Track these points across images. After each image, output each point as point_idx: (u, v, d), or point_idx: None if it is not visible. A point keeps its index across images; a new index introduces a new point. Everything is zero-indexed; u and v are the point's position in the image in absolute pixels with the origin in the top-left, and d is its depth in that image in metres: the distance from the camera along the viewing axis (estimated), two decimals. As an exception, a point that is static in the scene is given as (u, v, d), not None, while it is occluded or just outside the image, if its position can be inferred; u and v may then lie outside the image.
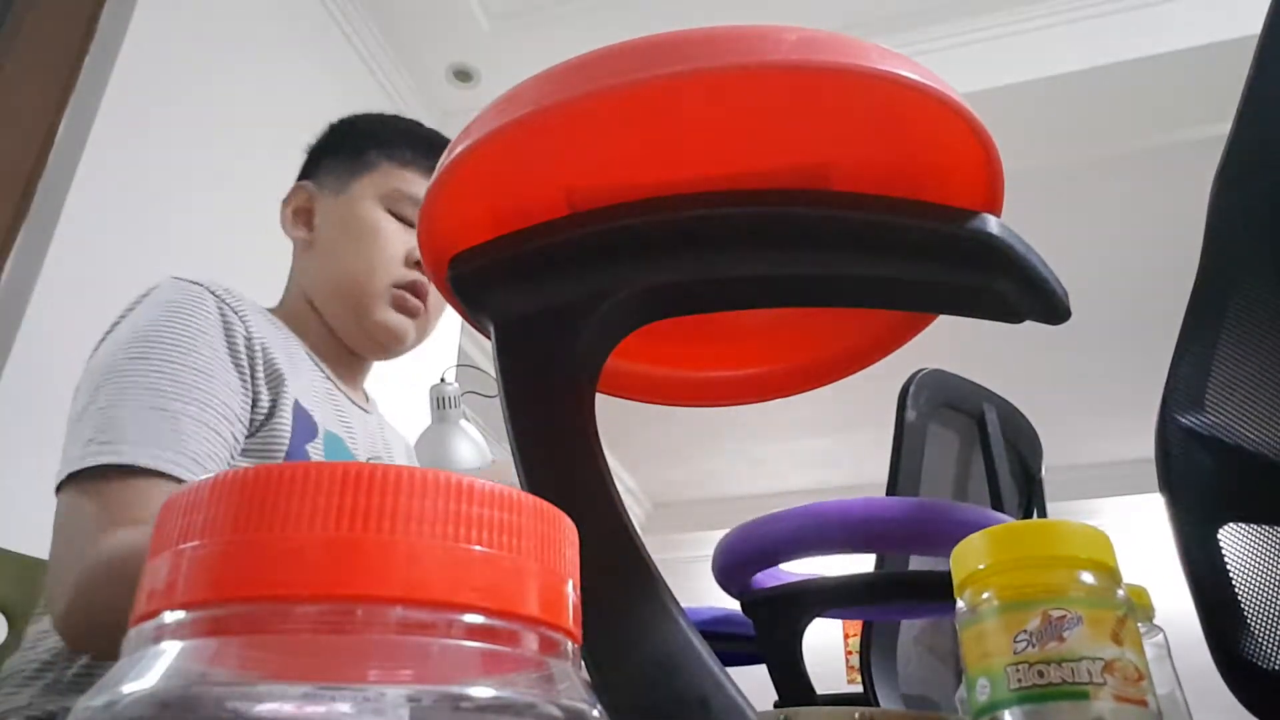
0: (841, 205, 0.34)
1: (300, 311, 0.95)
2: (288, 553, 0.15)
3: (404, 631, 0.15)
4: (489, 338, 0.37)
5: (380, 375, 1.06)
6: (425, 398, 1.06)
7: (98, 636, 0.65)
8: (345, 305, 0.93)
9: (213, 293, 0.81)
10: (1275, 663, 0.47)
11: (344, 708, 0.14)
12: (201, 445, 0.71)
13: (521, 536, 0.17)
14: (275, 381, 0.81)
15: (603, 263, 0.35)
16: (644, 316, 0.37)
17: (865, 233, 0.34)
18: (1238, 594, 0.49)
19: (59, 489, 0.70)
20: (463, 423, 1.01)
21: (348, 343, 0.95)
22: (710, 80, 0.31)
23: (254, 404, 0.79)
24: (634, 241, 0.35)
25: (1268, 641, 0.48)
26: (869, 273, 0.35)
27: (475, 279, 0.36)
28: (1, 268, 1.45)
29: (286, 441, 0.80)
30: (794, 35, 0.29)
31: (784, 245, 0.35)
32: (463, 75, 2.53)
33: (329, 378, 0.93)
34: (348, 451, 0.89)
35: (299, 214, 0.99)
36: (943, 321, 0.41)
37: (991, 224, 0.33)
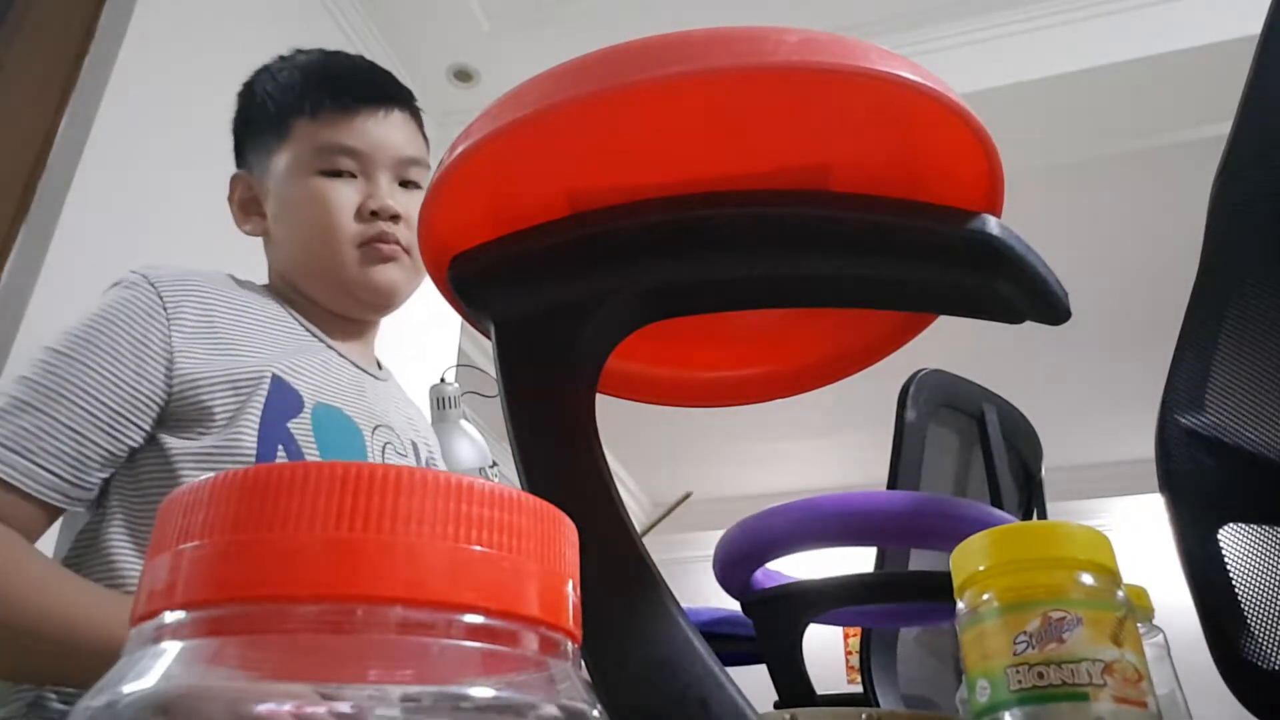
0: (841, 206, 0.34)
1: (286, 291, 0.92)
2: (288, 553, 0.15)
3: (404, 631, 0.15)
4: (489, 338, 0.37)
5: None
6: (425, 398, 1.06)
7: None
8: (323, 282, 0.89)
9: (152, 284, 0.78)
10: (1275, 663, 0.47)
11: (344, 708, 0.14)
12: (61, 460, 0.70)
13: (521, 536, 0.17)
14: (227, 362, 0.78)
15: (603, 263, 0.35)
16: (644, 317, 0.37)
17: (865, 234, 0.34)
18: (1238, 594, 0.49)
19: None
20: (463, 423, 1.01)
21: (343, 312, 0.92)
22: (710, 81, 0.31)
23: (196, 392, 0.76)
24: (634, 242, 0.35)
25: (1268, 641, 0.48)
26: (869, 273, 0.35)
27: (475, 279, 0.36)
28: (1, 268, 1.45)
29: (255, 428, 0.76)
30: (794, 37, 0.29)
31: (784, 246, 0.35)
32: (463, 75, 2.53)
33: (330, 346, 0.90)
34: (346, 421, 0.85)
35: (245, 206, 0.94)
36: (943, 321, 0.41)
37: (991, 224, 0.33)
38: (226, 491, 0.16)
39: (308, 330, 0.89)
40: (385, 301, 0.91)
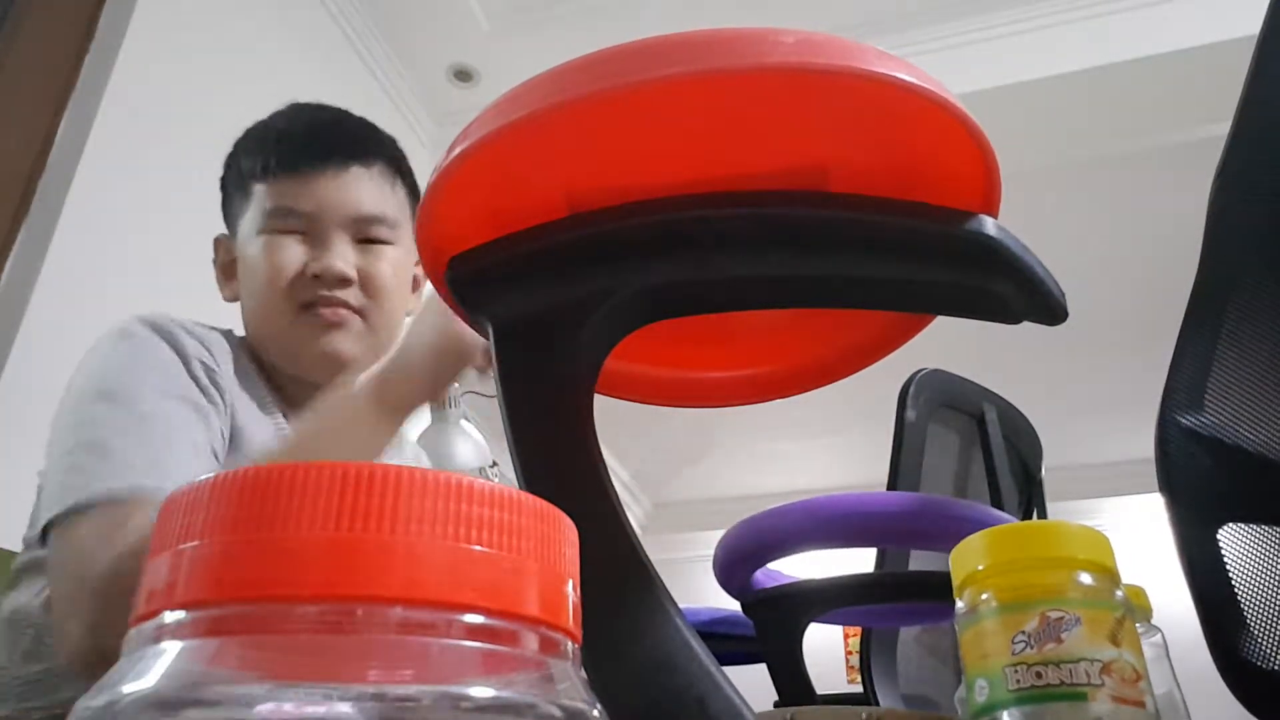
0: (839, 207, 0.34)
1: (255, 352, 0.88)
2: (288, 553, 0.15)
3: (404, 631, 0.15)
4: (488, 339, 0.37)
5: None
6: (425, 398, 1.05)
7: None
8: (273, 345, 0.86)
9: (161, 327, 0.77)
10: (1274, 662, 0.47)
11: (344, 708, 0.14)
12: (185, 467, 0.69)
13: (521, 536, 0.17)
14: (231, 410, 0.78)
15: (602, 264, 0.35)
16: (643, 317, 0.37)
17: (863, 234, 0.34)
18: (1237, 594, 0.49)
19: (45, 532, 0.68)
20: (463, 423, 1.01)
21: (292, 371, 0.87)
22: (709, 82, 0.31)
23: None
24: (633, 243, 0.35)
25: (1267, 641, 0.48)
26: (866, 274, 0.35)
27: (474, 280, 0.36)
28: (1, 268, 1.45)
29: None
30: (792, 37, 0.29)
31: (782, 247, 0.35)
32: (463, 75, 2.53)
33: (284, 418, 0.86)
34: None
35: (226, 270, 0.90)
36: (943, 321, 0.41)
37: (989, 225, 0.33)
38: (226, 491, 0.16)
39: (271, 408, 0.86)
40: (335, 369, 0.83)
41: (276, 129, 0.89)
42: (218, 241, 0.92)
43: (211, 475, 0.16)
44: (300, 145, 0.86)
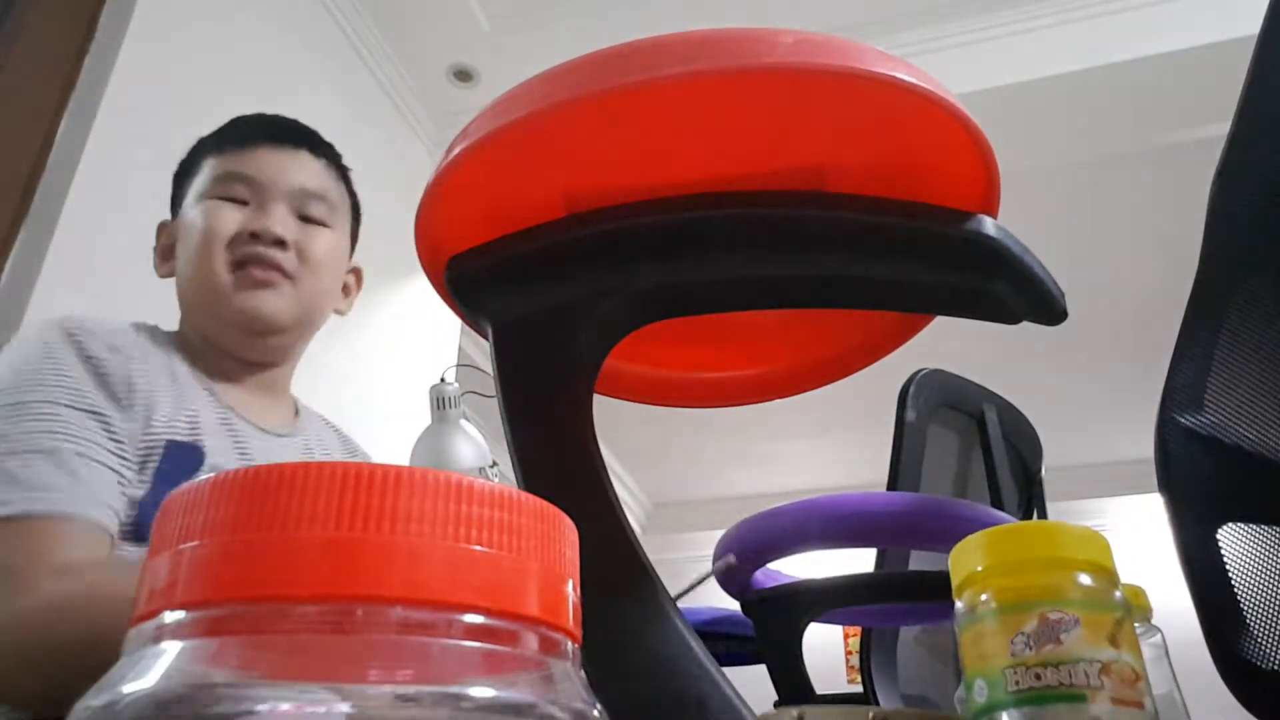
0: (838, 207, 0.34)
1: (187, 340, 0.88)
2: (288, 553, 0.15)
3: (404, 631, 0.15)
4: (487, 339, 0.37)
5: (380, 375, 1.05)
6: (425, 398, 1.06)
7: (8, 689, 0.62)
8: (203, 312, 0.86)
9: (70, 333, 0.76)
10: (1274, 662, 0.47)
11: (344, 708, 0.14)
12: (97, 483, 0.68)
13: (521, 536, 0.17)
14: (147, 413, 0.76)
15: (600, 264, 0.35)
16: (642, 318, 0.37)
17: (862, 234, 0.34)
18: (1237, 594, 0.49)
19: None
20: (463, 423, 1.01)
21: (226, 347, 0.87)
22: (707, 83, 0.31)
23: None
24: (631, 243, 0.35)
25: (1267, 641, 0.48)
26: (866, 274, 0.35)
27: (473, 280, 0.36)
28: (1, 268, 1.45)
29: (150, 479, 0.74)
30: (791, 38, 0.29)
31: (781, 247, 0.35)
32: (463, 75, 2.53)
33: (225, 406, 0.85)
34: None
35: (165, 252, 0.92)
36: (943, 321, 0.41)
37: (988, 225, 0.33)
38: (226, 491, 0.16)
39: (204, 388, 0.85)
40: (262, 329, 0.86)
41: (240, 120, 0.93)
42: (162, 226, 0.94)
43: (211, 475, 0.16)
44: (254, 127, 0.91)
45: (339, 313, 0.98)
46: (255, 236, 0.84)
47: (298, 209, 0.88)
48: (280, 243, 0.85)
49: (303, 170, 0.90)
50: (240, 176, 0.86)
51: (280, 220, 0.86)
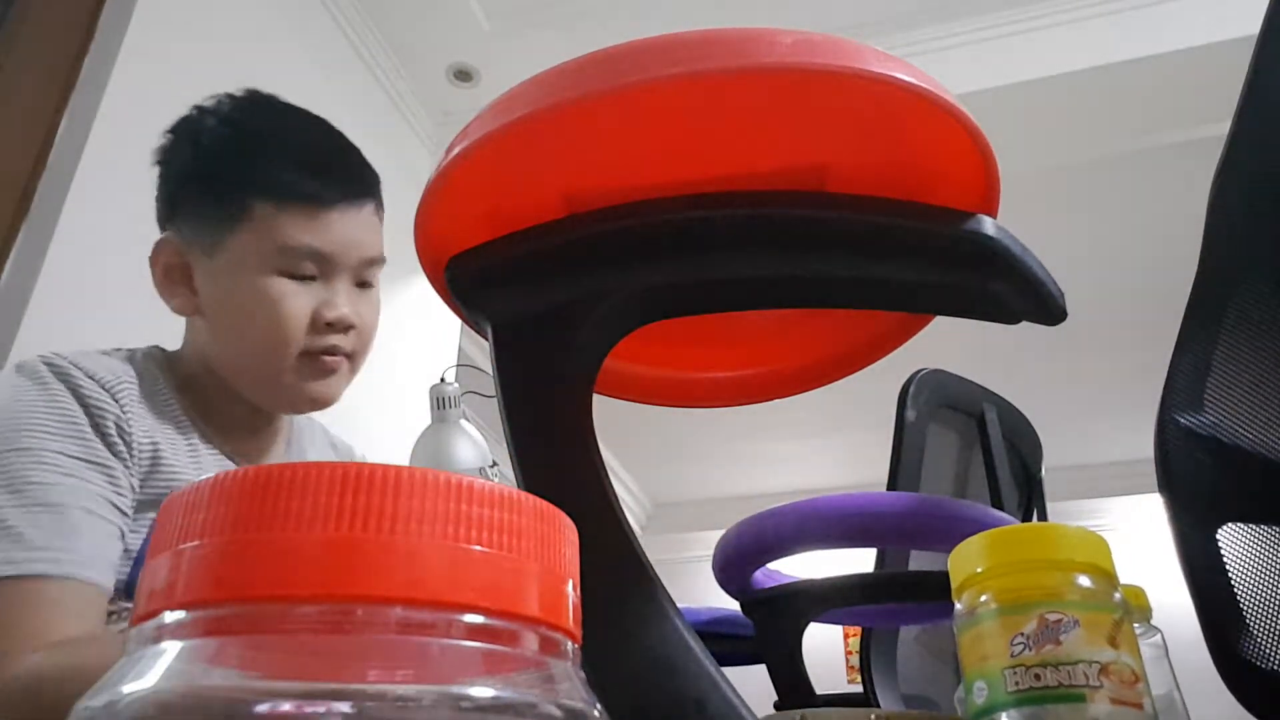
0: (838, 207, 0.34)
1: (199, 374, 0.84)
2: (288, 553, 0.15)
3: (404, 631, 0.15)
4: (487, 339, 0.37)
5: (380, 376, 1.05)
6: (425, 398, 1.06)
7: None
8: (257, 384, 0.82)
9: (63, 374, 0.73)
10: (1274, 662, 0.47)
11: (344, 708, 0.14)
12: (98, 540, 0.68)
13: (521, 536, 0.17)
14: (152, 465, 0.75)
15: (600, 264, 0.35)
16: (641, 318, 0.37)
17: (861, 234, 0.34)
18: (1237, 594, 0.49)
19: None
20: (463, 423, 1.01)
21: (265, 407, 0.85)
22: (707, 83, 0.31)
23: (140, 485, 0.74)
24: (631, 243, 0.35)
25: (1267, 641, 0.48)
26: (865, 274, 0.35)
27: (472, 281, 0.36)
28: (1, 268, 1.45)
29: (149, 529, 0.72)
30: (790, 38, 0.29)
31: (780, 247, 0.35)
32: (463, 75, 2.53)
33: (225, 453, 0.84)
34: None
35: (171, 273, 0.82)
36: (943, 321, 0.41)
37: (987, 225, 0.33)
38: (226, 491, 0.16)
39: (198, 436, 0.82)
40: (318, 409, 0.85)
41: (280, 139, 0.83)
42: (165, 242, 0.83)
43: (212, 475, 0.17)
44: (324, 172, 0.80)
45: None
46: (330, 325, 0.80)
47: (358, 277, 0.83)
48: (351, 327, 0.82)
49: (369, 233, 0.83)
50: (313, 254, 0.79)
51: (349, 299, 0.81)
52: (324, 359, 0.80)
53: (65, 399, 0.72)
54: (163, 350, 0.86)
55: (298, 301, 0.79)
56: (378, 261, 0.85)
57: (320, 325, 0.79)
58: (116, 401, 0.74)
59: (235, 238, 0.78)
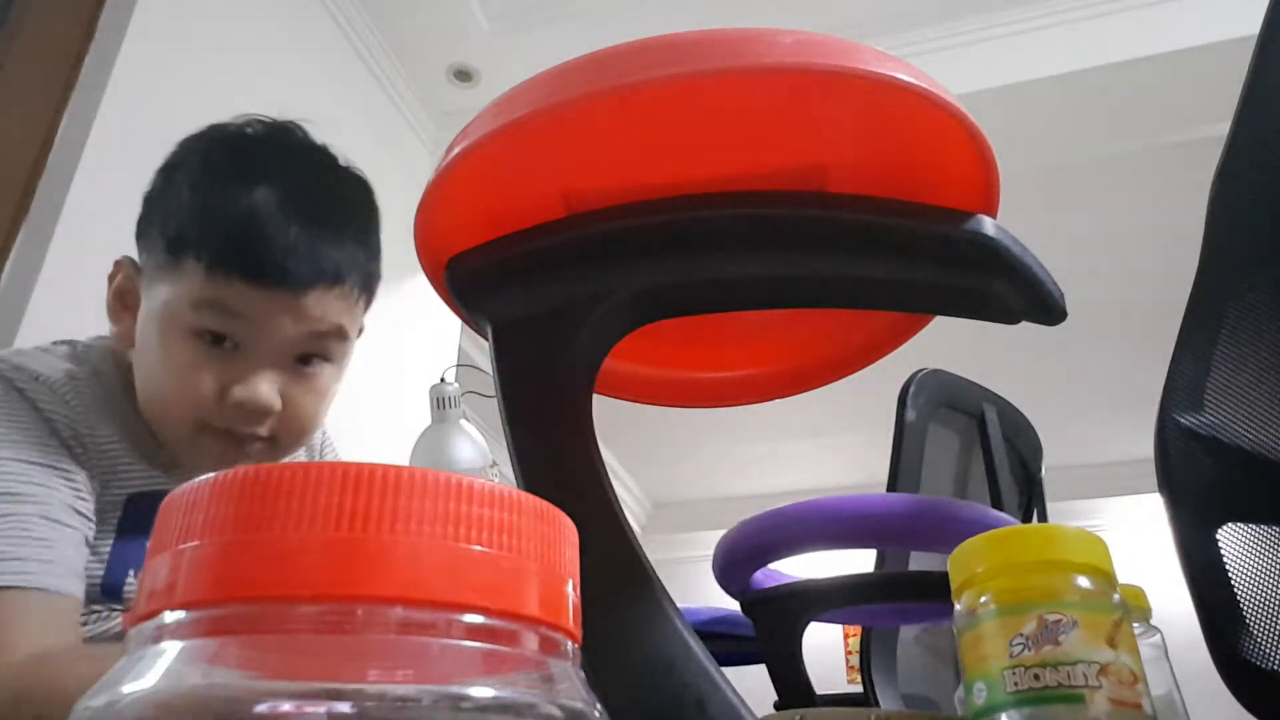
0: (838, 207, 0.34)
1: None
2: (288, 553, 0.15)
3: (404, 631, 0.15)
4: (487, 339, 0.37)
5: (380, 376, 1.04)
6: (425, 398, 1.06)
7: None
8: (165, 429, 0.74)
9: (12, 382, 0.69)
10: (1274, 663, 0.47)
11: (344, 708, 0.14)
12: (65, 548, 0.66)
13: (521, 536, 0.17)
14: (110, 466, 0.72)
15: (600, 264, 0.35)
16: (641, 318, 0.37)
17: (861, 234, 0.34)
18: (1237, 594, 0.49)
19: None
20: (463, 423, 1.01)
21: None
22: (707, 83, 0.31)
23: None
24: (631, 243, 0.35)
25: (1267, 641, 0.48)
26: (865, 274, 0.35)
27: (472, 281, 0.36)
28: (1, 268, 1.45)
29: (109, 549, 0.71)
30: (790, 38, 0.29)
31: (780, 247, 0.35)
32: (463, 75, 2.53)
33: (158, 469, 0.78)
34: None
35: (121, 296, 0.77)
36: (943, 321, 0.41)
37: (987, 225, 0.33)
38: (226, 491, 0.16)
39: (141, 426, 0.76)
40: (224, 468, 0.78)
41: (241, 194, 0.71)
42: (121, 264, 0.79)
43: (211, 475, 0.16)
44: (266, 245, 0.69)
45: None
46: (239, 406, 0.70)
47: (300, 351, 0.73)
48: (267, 413, 0.72)
49: (318, 310, 0.71)
50: (234, 315, 0.69)
51: (269, 379, 0.71)
52: (227, 437, 0.72)
53: (17, 402, 0.69)
54: (108, 340, 0.81)
55: (203, 374, 0.70)
56: (331, 335, 0.73)
57: (230, 402, 0.70)
58: (68, 404, 0.71)
59: (165, 285, 0.71)
